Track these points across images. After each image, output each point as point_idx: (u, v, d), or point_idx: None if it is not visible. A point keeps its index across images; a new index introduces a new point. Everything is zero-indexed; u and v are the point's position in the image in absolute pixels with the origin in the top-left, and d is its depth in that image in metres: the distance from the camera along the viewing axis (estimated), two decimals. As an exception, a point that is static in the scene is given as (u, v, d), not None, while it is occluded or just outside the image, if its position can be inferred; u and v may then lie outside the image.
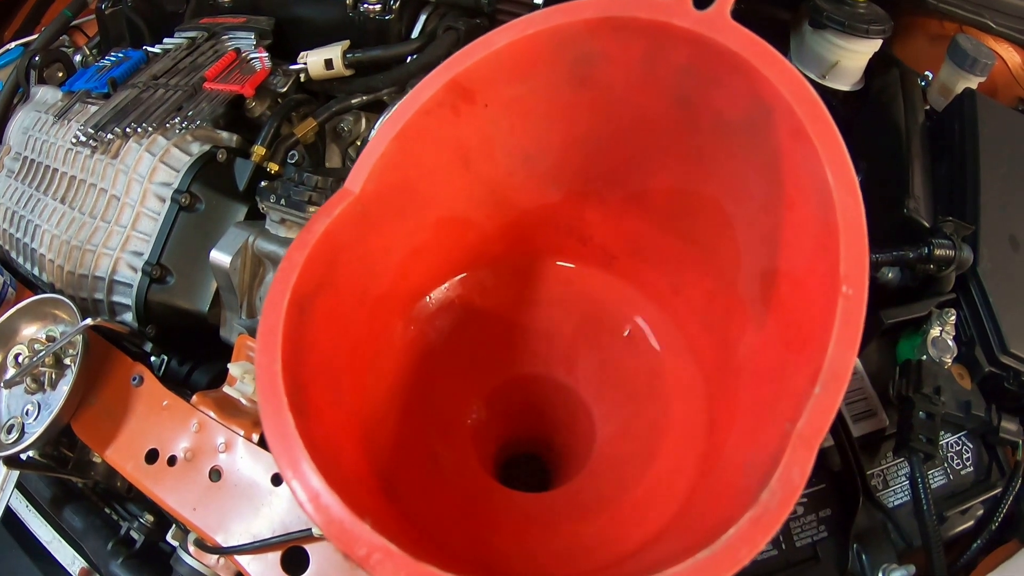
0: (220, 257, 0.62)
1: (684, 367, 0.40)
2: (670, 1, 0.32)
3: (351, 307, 0.37)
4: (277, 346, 0.29)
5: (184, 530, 0.58)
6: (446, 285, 0.43)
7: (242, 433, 0.56)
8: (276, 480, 0.54)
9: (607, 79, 0.35)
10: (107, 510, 0.68)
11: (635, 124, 0.36)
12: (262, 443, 0.55)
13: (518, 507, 0.38)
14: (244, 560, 0.52)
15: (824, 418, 0.28)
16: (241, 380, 0.57)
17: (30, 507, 0.71)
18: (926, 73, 0.75)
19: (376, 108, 0.77)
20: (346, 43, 0.74)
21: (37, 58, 0.84)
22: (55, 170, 0.73)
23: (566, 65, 0.35)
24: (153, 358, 0.67)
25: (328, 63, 0.73)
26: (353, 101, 0.74)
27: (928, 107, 0.75)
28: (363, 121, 0.79)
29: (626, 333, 0.42)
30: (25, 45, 0.93)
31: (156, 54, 0.79)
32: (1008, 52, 0.74)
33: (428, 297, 0.42)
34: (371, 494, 0.32)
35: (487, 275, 0.43)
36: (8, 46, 0.95)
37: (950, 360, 0.58)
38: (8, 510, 0.69)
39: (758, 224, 0.34)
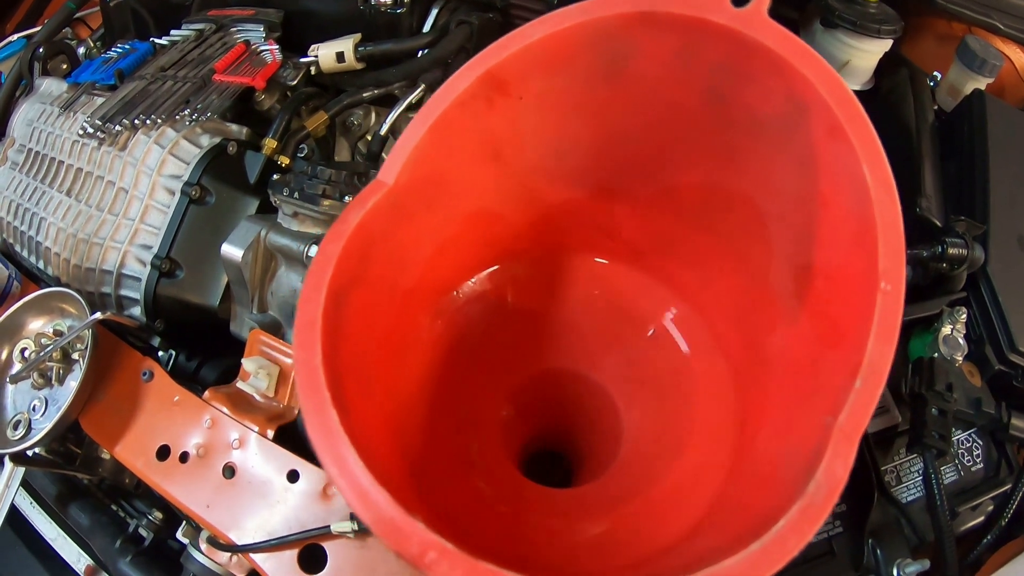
0: (232, 251, 0.61)
1: (713, 362, 0.40)
2: (708, -2, 0.32)
3: (382, 300, 0.37)
4: (317, 340, 0.29)
5: (196, 527, 0.58)
6: (474, 279, 0.43)
7: (256, 429, 0.55)
8: (292, 477, 0.53)
9: (641, 74, 0.35)
10: (114, 507, 0.67)
11: (668, 119, 0.36)
12: (277, 439, 0.55)
13: (549, 502, 0.38)
14: (260, 558, 0.52)
15: (865, 412, 0.28)
16: (255, 376, 0.57)
17: (34, 504, 0.70)
18: (935, 73, 0.76)
19: (387, 102, 0.77)
20: (357, 36, 0.74)
21: (41, 50, 0.83)
22: (61, 162, 0.72)
23: (600, 59, 0.35)
24: (161, 352, 0.67)
25: (339, 56, 0.73)
26: (364, 95, 0.74)
27: (936, 107, 0.76)
28: (373, 115, 0.79)
29: (651, 331, 0.42)
30: (28, 37, 0.92)
31: (163, 46, 0.78)
32: (1016, 53, 0.75)
33: (456, 291, 0.42)
34: (405, 490, 0.32)
35: (515, 269, 0.43)
36: (11, 38, 0.94)
37: (961, 358, 0.59)
38: (12, 507, 0.69)
39: (791, 220, 0.34)
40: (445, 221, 0.39)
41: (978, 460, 0.60)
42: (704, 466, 0.37)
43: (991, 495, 0.58)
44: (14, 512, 0.70)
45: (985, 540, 0.58)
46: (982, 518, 0.58)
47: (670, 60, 0.34)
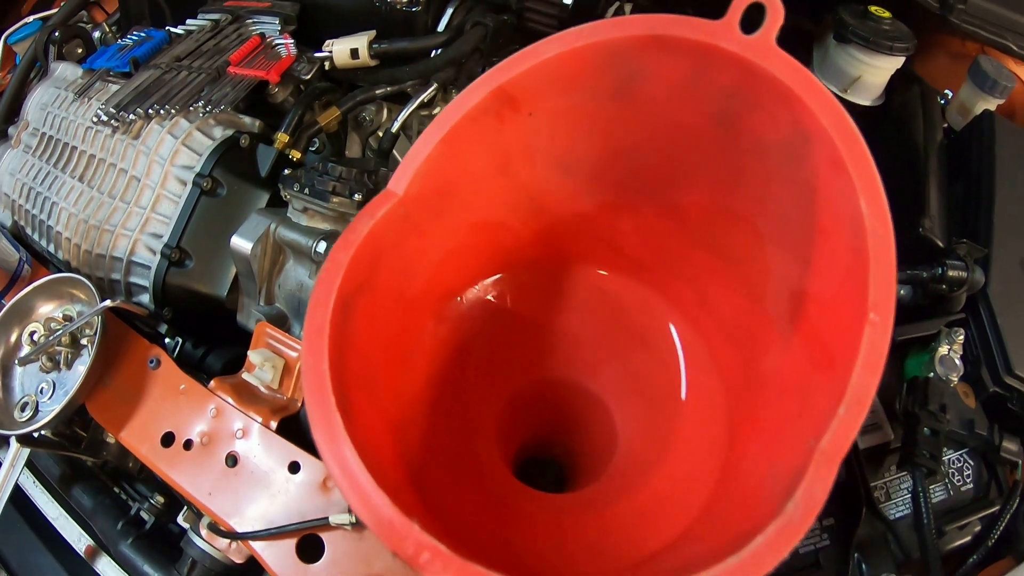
0: (241, 243, 0.63)
1: (707, 378, 0.41)
2: (717, 24, 0.34)
3: (387, 307, 0.38)
4: (324, 346, 0.30)
5: (197, 513, 0.60)
6: (478, 286, 0.44)
7: (260, 420, 0.57)
8: (293, 468, 0.55)
9: (650, 95, 0.36)
10: (116, 490, 0.69)
11: (675, 140, 0.38)
12: (280, 431, 0.57)
13: (542, 506, 0.40)
14: (259, 546, 0.54)
15: (846, 438, 0.30)
16: (260, 367, 0.59)
17: (37, 483, 0.72)
18: (946, 91, 0.77)
19: (399, 99, 0.78)
20: (372, 33, 0.75)
21: (57, 33, 0.85)
22: (74, 148, 0.73)
23: (611, 79, 0.37)
24: (167, 340, 0.69)
25: (354, 52, 0.74)
26: (377, 91, 0.75)
27: (946, 125, 0.77)
28: (385, 112, 0.80)
29: (649, 340, 0.43)
30: (43, 20, 0.93)
31: (179, 35, 0.79)
32: (1029, 75, 0.76)
33: (460, 297, 0.44)
34: (404, 492, 0.33)
35: (519, 278, 0.45)
36: (26, 20, 0.96)
37: (956, 378, 0.60)
38: (16, 487, 0.71)
39: (789, 245, 0.35)
40: (452, 230, 0.41)
41: (968, 480, 0.61)
42: (693, 477, 0.39)
43: (979, 515, 0.59)
44: (18, 491, 0.72)
45: (971, 560, 0.59)
46: (969, 538, 0.60)
47: (680, 83, 0.35)
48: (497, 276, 0.45)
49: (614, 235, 0.43)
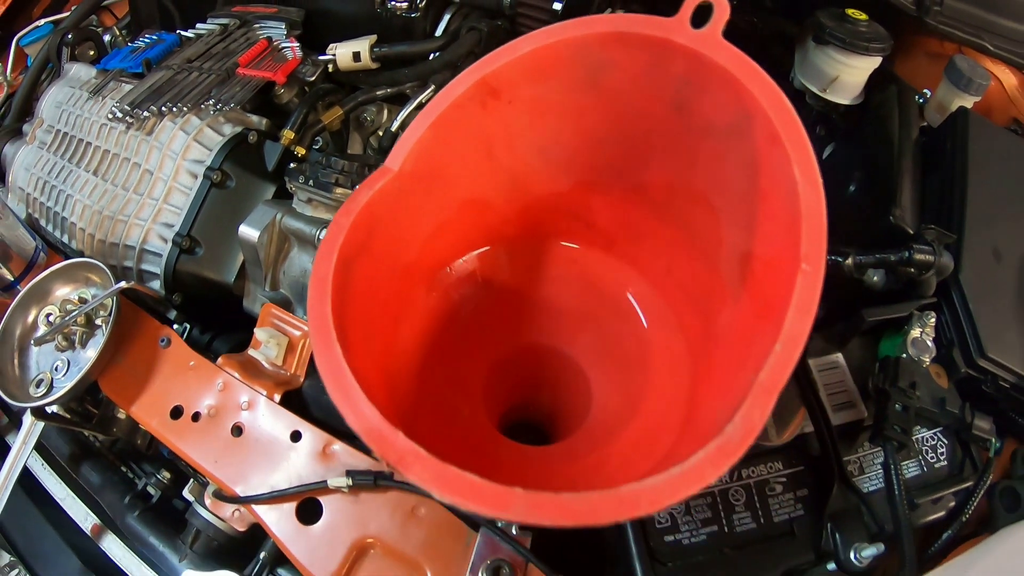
0: (248, 232, 0.70)
1: (671, 338, 0.48)
2: (671, 21, 0.41)
3: (383, 271, 0.45)
4: (327, 291, 0.37)
5: (202, 484, 0.66)
6: (465, 259, 0.51)
7: (264, 393, 0.64)
8: (295, 436, 0.62)
9: (615, 85, 0.43)
10: (123, 468, 0.76)
11: (637, 124, 0.44)
12: (283, 403, 0.64)
13: (521, 454, 0.46)
14: (261, 510, 0.60)
15: (782, 371, 0.36)
16: (265, 344, 0.65)
17: (46, 466, 0.79)
18: (924, 91, 0.83)
19: (399, 101, 0.86)
20: (373, 37, 0.83)
21: (70, 36, 0.93)
22: (88, 143, 0.81)
23: (580, 71, 0.43)
24: (176, 326, 0.75)
25: (356, 55, 0.82)
26: (378, 93, 0.83)
27: (925, 124, 0.84)
28: (385, 112, 0.88)
29: (622, 308, 0.50)
30: (54, 23, 1.02)
31: (189, 38, 0.88)
32: (1005, 74, 0.82)
33: (449, 268, 0.50)
34: (393, 424, 0.40)
35: (502, 252, 0.51)
36: (37, 23, 1.04)
37: (928, 359, 0.66)
38: (25, 469, 0.77)
39: (739, 214, 0.42)
40: (442, 206, 0.48)
41: (942, 458, 0.66)
42: (660, 428, 0.44)
43: (952, 490, 0.64)
44: (26, 474, 0.78)
45: (946, 534, 0.64)
46: (943, 512, 0.65)
47: (639, 73, 0.42)
48: (483, 250, 0.51)
49: (588, 213, 0.50)
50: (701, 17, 0.41)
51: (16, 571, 0.77)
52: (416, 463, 0.32)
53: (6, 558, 0.78)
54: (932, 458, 0.66)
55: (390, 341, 0.46)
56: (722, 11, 0.40)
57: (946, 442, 0.67)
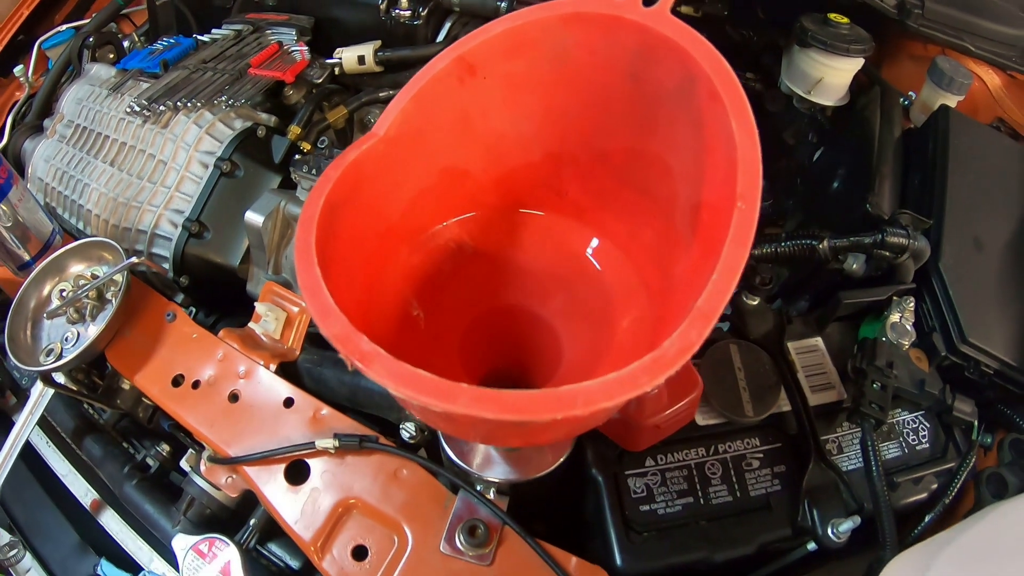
0: (254, 217, 0.78)
1: (636, 295, 0.53)
2: (625, 1, 0.48)
3: (368, 226, 0.51)
4: (313, 227, 0.44)
5: (199, 452, 0.72)
6: (445, 224, 0.58)
7: (262, 363, 0.70)
8: (287, 403, 0.68)
9: (577, 60, 0.50)
10: (124, 444, 0.82)
11: (598, 96, 0.51)
12: (279, 372, 0.70)
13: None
14: (252, 471, 0.66)
15: (720, 297, 0.41)
16: (264, 318, 0.72)
17: (50, 443, 0.85)
18: (909, 93, 0.90)
19: (400, 100, 0.95)
20: (378, 43, 0.93)
21: (91, 39, 1.04)
22: (106, 136, 0.90)
23: (546, 48, 0.51)
24: (183, 309, 0.83)
25: (361, 59, 0.92)
26: (380, 94, 0.92)
27: (911, 125, 0.90)
28: (387, 113, 0.97)
29: (589, 271, 0.56)
30: (76, 28, 1.12)
31: (204, 42, 0.98)
32: (988, 74, 0.89)
33: (431, 232, 0.57)
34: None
35: (480, 218, 0.58)
36: (59, 28, 1.15)
37: (907, 343, 0.70)
38: (29, 445, 0.83)
39: (689, 170, 0.48)
40: (423, 173, 0.55)
41: (924, 440, 0.70)
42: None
43: (934, 471, 0.68)
44: (29, 450, 0.85)
45: (929, 516, 0.67)
46: (925, 495, 0.68)
47: (598, 49, 0.49)
48: (462, 217, 0.58)
49: (558, 182, 0.56)
50: (653, -4, 0.49)
51: (15, 551, 0.82)
52: (376, 360, 0.38)
53: (6, 537, 0.84)
54: (913, 440, 0.70)
55: (372, 295, 0.52)
56: (669, -10, 0.48)
57: (928, 425, 0.71)
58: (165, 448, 0.77)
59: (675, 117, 0.49)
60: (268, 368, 0.69)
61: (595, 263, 0.57)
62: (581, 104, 0.54)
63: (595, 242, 0.57)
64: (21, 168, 1.00)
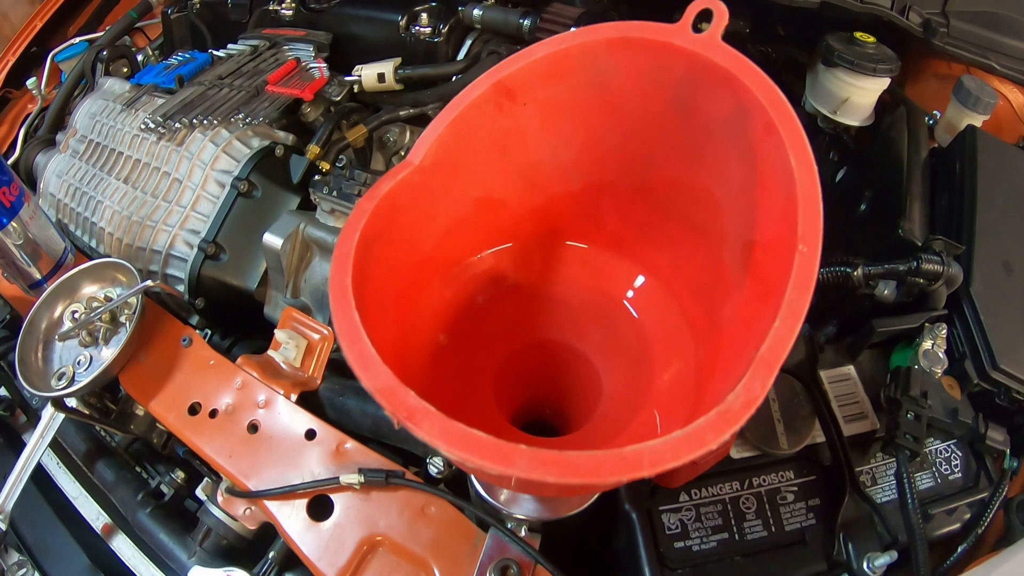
0: (272, 240, 0.74)
1: (678, 332, 0.50)
2: (674, 26, 0.45)
3: (402, 259, 0.48)
4: (349, 265, 0.40)
5: (215, 481, 0.68)
6: (480, 255, 0.54)
7: (282, 392, 0.67)
8: (309, 435, 0.64)
9: (621, 87, 0.47)
10: (138, 468, 0.78)
11: (642, 125, 0.48)
12: (300, 403, 0.66)
13: (529, 444, 0.48)
14: (273, 505, 0.62)
15: (783, 344, 0.38)
16: (285, 345, 0.69)
17: (60, 464, 0.81)
18: (934, 112, 0.87)
19: (420, 122, 0.91)
20: (398, 60, 0.89)
21: (105, 52, 1.00)
22: (120, 153, 0.86)
23: (589, 74, 0.47)
24: (198, 331, 0.79)
25: (380, 77, 0.88)
26: (400, 113, 0.88)
27: (936, 144, 0.87)
28: (408, 133, 0.93)
29: (630, 306, 0.52)
30: (89, 41, 1.09)
31: (220, 57, 0.94)
32: (1013, 92, 0.86)
33: (465, 263, 0.54)
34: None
35: (516, 250, 0.54)
36: (72, 40, 1.11)
37: (940, 371, 0.67)
38: (40, 467, 0.80)
39: (739, 205, 0.44)
40: (458, 202, 0.51)
41: (956, 470, 0.67)
42: (666, 419, 0.46)
43: (967, 501, 0.65)
44: (40, 471, 0.81)
45: (961, 547, 0.64)
46: (958, 525, 0.65)
47: (644, 75, 0.46)
48: (498, 248, 0.54)
49: (597, 213, 0.53)
50: (703, 22, 0.45)
51: (24, 571, 0.79)
52: (425, 418, 0.34)
53: (15, 556, 0.80)
54: (946, 470, 0.67)
55: (406, 330, 0.49)
56: (721, 16, 0.44)
57: (960, 454, 0.68)
58: (180, 475, 0.73)
59: (725, 150, 0.46)
60: (288, 398, 0.66)
61: (636, 296, 0.54)
62: (623, 133, 0.50)
63: (636, 276, 0.53)
64: (33, 182, 0.95)
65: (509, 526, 0.58)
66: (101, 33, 1.08)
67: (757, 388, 0.37)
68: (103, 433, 0.81)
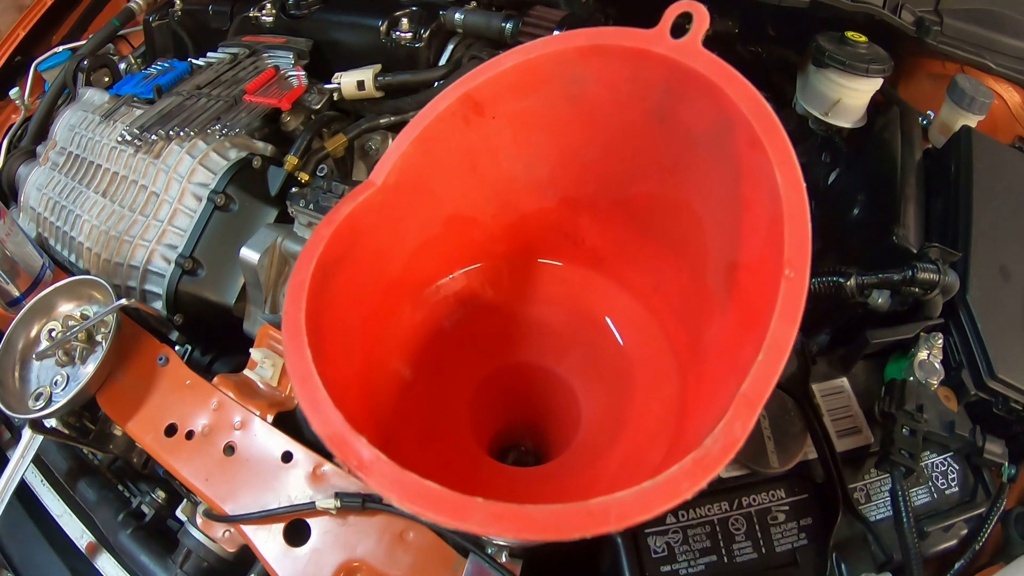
0: (249, 254, 0.70)
1: (660, 356, 0.46)
2: (651, 32, 0.41)
3: (366, 284, 0.44)
4: (303, 297, 0.36)
5: (195, 504, 0.65)
6: (452, 276, 0.50)
7: (258, 413, 0.63)
8: (286, 457, 0.61)
9: (596, 98, 0.43)
10: (120, 487, 0.75)
11: (620, 137, 0.44)
12: (276, 423, 0.63)
13: (508, 476, 0.44)
14: (249, 530, 0.59)
15: (766, 381, 0.34)
16: (261, 365, 0.65)
17: (44, 482, 0.79)
18: (928, 112, 0.82)
19: (402, 129, 0.87)
20: (378, 67, 0.85)
21: (86, 62, 0.96)
22: (98, 166, 0.83)
23: (561, 85, 0.43)
24: (177, 347, 0.76)
25: (360, 84, 0.84)
26: (381, 121, 0.84)
27: (930, 146, 0.82)
28: (389, 141, 0.88)
29: (611, 327, 0.48)
30: (72, 50, 1.05)
31: (200, 66, 0.90)
32: (1008, 92, 0.81)
33: (435, 285, 0.50)
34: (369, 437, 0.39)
35: (490, 270, 0.51)
36: (56, 49, 1.07)
37: (936, 382, 0.63)
38: (24, 484, 0.77)
39: (722, 223, 0.41)
40: (427, 222, 0.47)
41: (953, 484, 0.63)
42: (649, 445, 0.43)
43: (964, 517, 0.61)
44: (24, 488, 0.78)
45: (958, 564, 0.61)
46: (955, 541, 0.61)
47: (620, 85, 0.42)
48: (470, 268, 0.51)
49: (574, 230, 0.49)
50: (682, 27, 0.41)
51: (9, 589, 0.76)
52: (376, 469, 0.31)
53: (1, 574, 0.77)
54: (943, 484, 0.63)
55: (372, 358, 0.45)
56: (701, 20, 0.40)
57: (957, 467, 0.64)
58: (160, 495, 0.70)
59: (707, 164, 0.42)
60: (265, 419, 0.62)
61: (614, 318, 0.50)
62: (600, 146, 0.46)
63: (615, 295, 0.49)
64: (15, 194, 0.92)
65: (489, 552, 0.55)
66: (84, 41, 1.04)
67: (738, 430, 0.33)
68: (86, 451, 0.77)
